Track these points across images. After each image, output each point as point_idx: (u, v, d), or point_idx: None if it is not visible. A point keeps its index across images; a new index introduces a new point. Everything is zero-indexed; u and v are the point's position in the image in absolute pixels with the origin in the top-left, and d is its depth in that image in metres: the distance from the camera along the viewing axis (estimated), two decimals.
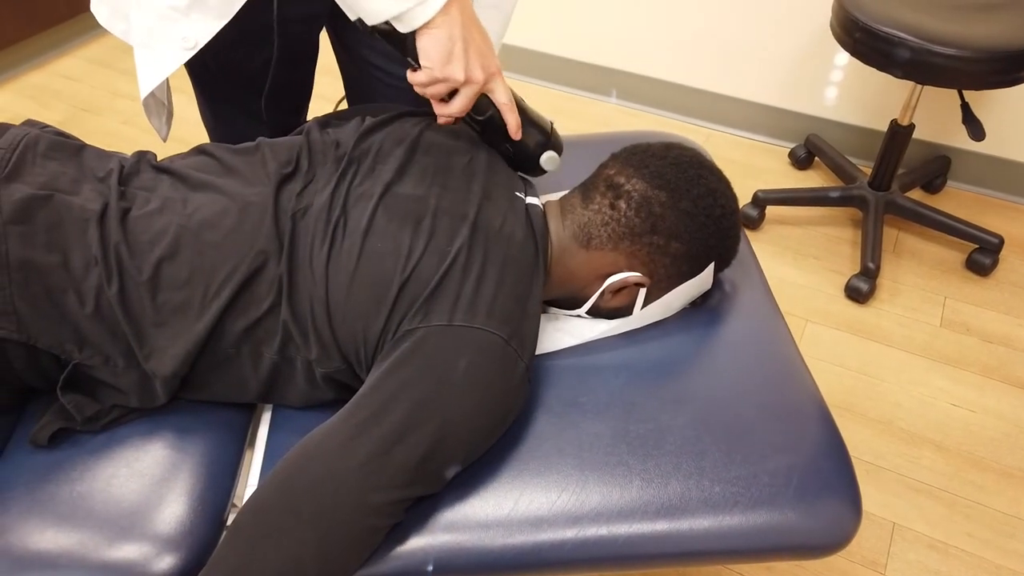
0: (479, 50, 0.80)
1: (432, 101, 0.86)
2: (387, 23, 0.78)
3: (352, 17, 0.80)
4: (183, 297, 0.76)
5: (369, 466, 0.67)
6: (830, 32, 1.70)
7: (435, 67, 0.79)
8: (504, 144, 0.91)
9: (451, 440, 0.70)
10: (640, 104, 2.31)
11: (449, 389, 0.71)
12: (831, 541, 0.75)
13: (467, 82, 0.80)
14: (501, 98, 0.85)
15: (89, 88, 2.38)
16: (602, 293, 0.86)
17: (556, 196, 0.95)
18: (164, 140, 1.04)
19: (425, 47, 0.78)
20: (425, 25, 0.76)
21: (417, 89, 0.82)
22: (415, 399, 0.70)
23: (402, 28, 0.77)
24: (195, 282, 0.76)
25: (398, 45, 0.81)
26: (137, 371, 0.77)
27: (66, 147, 0.83)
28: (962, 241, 1.80)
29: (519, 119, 0.87)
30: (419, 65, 0.80)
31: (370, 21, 0.78)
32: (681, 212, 0.83)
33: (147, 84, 0.91)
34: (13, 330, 0.73)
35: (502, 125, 0.88)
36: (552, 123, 0.94)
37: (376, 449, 0.67)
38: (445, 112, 0.85)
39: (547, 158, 0.92)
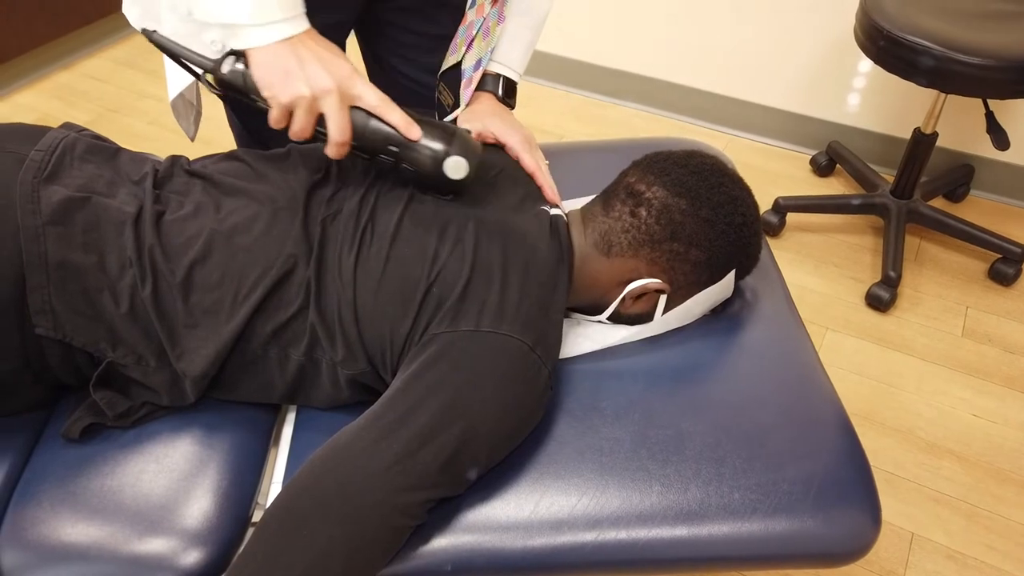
0: (318, 58, 0.73)
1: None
2: (222, 67, 0.76)
3: (180, 13, 0.76)
4: (214, 299, 0.77)
5: (396, 467, 0.68)
6: (853, 39, 1.70)
7: (276, 94, 0.73)
8: (401, 164, 0.80)
9: (475, 443, 0.71)
10: (661, 109, 2.32)
11: (475, 393, 0.72)
12: (850, 550, 0.75)
13: (318, 96, 0.73)
14: (371, 100, 0.76)
15: (115, 88, 2.42)
16: (623, 299, 0.87)
17: (578, 204, 0.96)
18: (192, 140, 1.06)
19: (257, 76, 0.75)
20: (250, 57, 0.74)
21: (291, 135, 0.77)
22: (442, 402, 0.71)
23: (234, 43, 0.75)
24: (226, 284, 0.78)
25: (240, 87, 0.77)
26: (168, 370, 0.79)
27: (102, 150, 0.85)
28: (985, 250, 1.79)
29: (402, 113, 0.77)
30: (266, 104, 0.76)
31: (203, 19, 0.74)
32: (701, 220, 0.83)
33: (175, 86, 0.93)
34: (50, 328, 0.75)
35: (390, 138, 0.78)
36: (461, 129, 0.82)
37: (403, 451, 0.68)
38: (331, 152, 0.77)
39: (453, 164, 0.79)
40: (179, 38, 0.90)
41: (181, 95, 0.96)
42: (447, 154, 0.79)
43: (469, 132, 0.85)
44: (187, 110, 1.01)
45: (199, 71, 0.82)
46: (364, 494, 0.67)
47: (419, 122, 0.79)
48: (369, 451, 0.69)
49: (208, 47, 0.89)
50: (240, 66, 0.77)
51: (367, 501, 0.67)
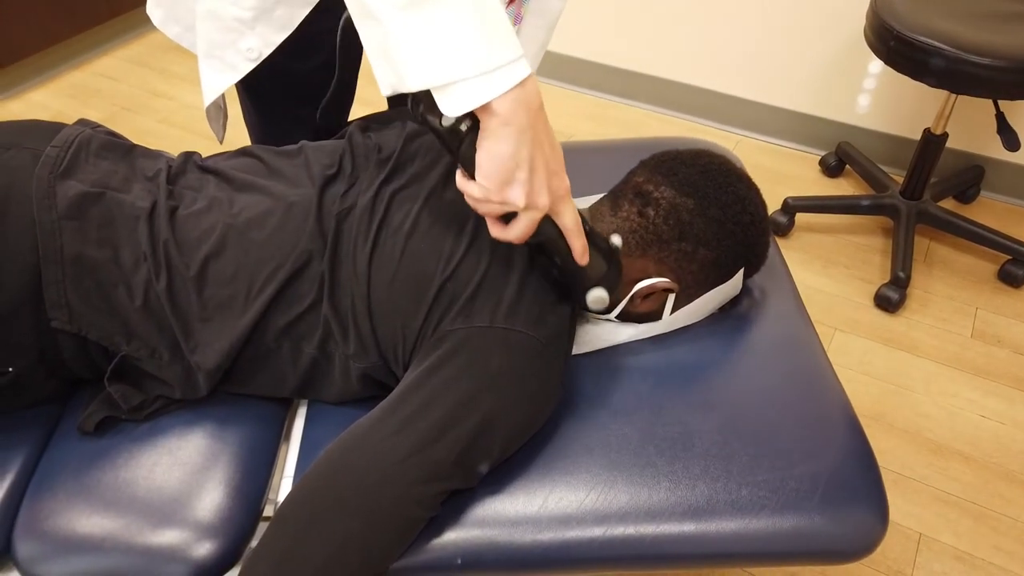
0: (547, 169, 0.69)
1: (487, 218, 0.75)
2: (430, 106, 0.65)
3: (385, 89, 0.66)
4: (228, 293, 0.78)
5: (411, 460, 0.69)
6: (863, 40, 1.70)
7: (491, 188, 0.68)
8: (552, 270, 0.80)
9: (489, 437, 0.72)
10: (672, 110, 2.32)
11: (489, 388, 0.73)
12: (856, 548, 0.75)
13: (528, 208, 0.69)
14: (567, 222, 0.74)
15: (128, 87, 2.44)
16: (631, 298, 0.87)
17: (586, 203, 0.96)
18: (221, 142, 1.07)
19: (483, 162, 0.67)
20: (487, 132, 0.65)
21: (467, 199, 0.72)
22: (456, 397, 0.72)
23: (449, 108, 0.64)
24: (240, 279, 0.78)
25: (451, 143, 0.69)
26: (181, 364, 0.80)
27: (117, 147, 0.87)
28: (995, 252, 1.79)
29: (586, 243, 0.76)
30: (471, 174, 0.69)
31: (405, 86, 0.64)
32: (709, 219, 0.84)
33: (211, 94, 0.93)
34: (65, 321, 0.76)
35: (559, 248, 0.77)
36: (617, 247, 0.82)
37: (418, 444, 0.69)
38: (501, 237, 0.73)
39: (594, 298, 0.80)
40: (214, 47, 0.91)
41: (215, 102, 0.97)
42: (595, 285, 0.80)
43: (618, 249, 0.82)
44: (217, 114, 1.02)
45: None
46: (381, 486, 0.68)
47: (589, 241, 0.78)
48: (385, 444, 0.69)
49: (244, 54, 0.89)
50: (463, 128, 0.68)
51: (384, 493, 0.68)
